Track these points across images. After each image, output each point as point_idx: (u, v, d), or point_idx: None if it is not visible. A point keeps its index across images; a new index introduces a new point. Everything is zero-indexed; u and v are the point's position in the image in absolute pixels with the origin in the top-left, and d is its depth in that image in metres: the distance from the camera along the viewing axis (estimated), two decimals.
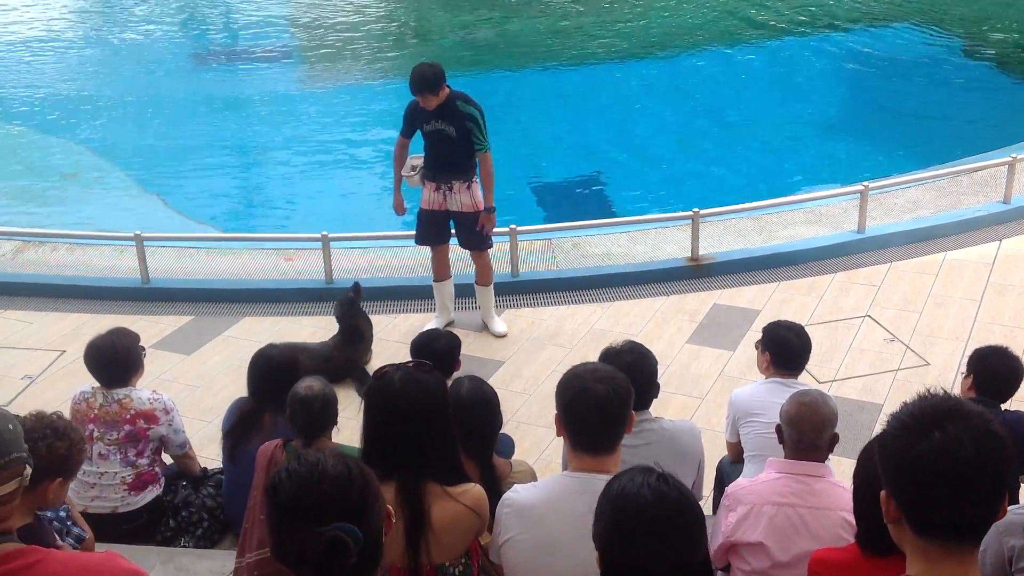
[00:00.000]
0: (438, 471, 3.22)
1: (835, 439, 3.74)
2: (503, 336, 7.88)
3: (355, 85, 15.41)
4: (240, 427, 4.84)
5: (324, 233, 8.42)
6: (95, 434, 4.84)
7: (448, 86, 7.17)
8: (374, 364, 7.38)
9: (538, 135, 13.38)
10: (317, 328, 8.05)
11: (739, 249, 8.92)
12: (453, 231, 7.69)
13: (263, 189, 12.17)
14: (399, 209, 7.73)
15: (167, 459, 5.28)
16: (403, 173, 7.58)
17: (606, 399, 3.14)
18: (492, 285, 7.91)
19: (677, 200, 11.07)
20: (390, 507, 2.34)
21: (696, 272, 8.65)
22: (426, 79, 7.03)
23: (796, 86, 14.85)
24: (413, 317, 8.21)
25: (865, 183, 9.13)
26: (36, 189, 11.85)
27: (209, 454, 6.14)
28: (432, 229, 7.66)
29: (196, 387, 7.34)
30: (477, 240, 7.62)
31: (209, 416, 6.92)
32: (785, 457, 3.71)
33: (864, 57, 15.39)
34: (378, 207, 11.35)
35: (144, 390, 4.98)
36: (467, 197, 7.44)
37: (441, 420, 3.27)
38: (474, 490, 3.31)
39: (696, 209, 8.64)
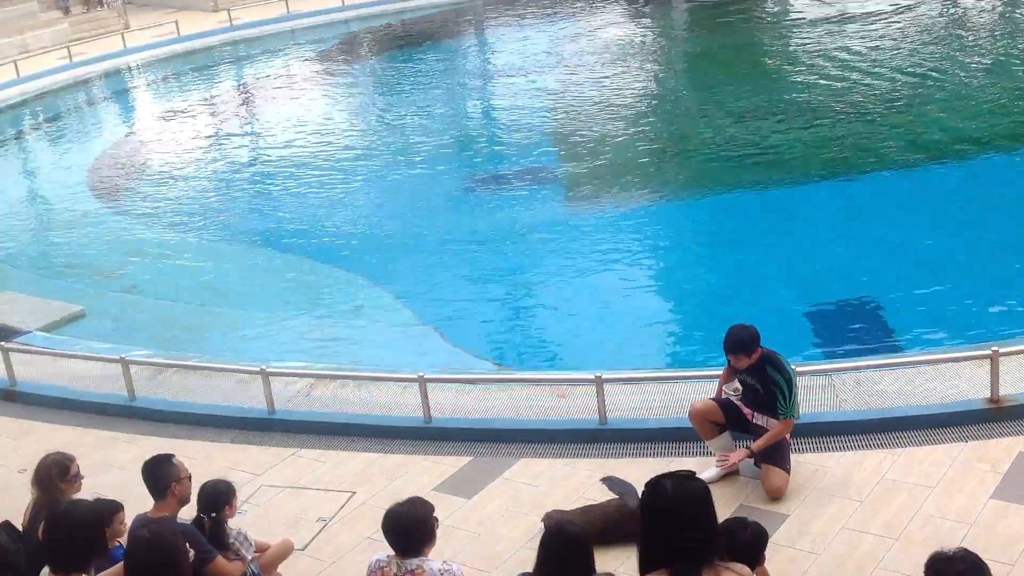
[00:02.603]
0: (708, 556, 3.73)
1: None
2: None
3: (620, 208, 15.59)
4: None
5: (598, 375, 8.44)
6: None
7: (762, 347, 7.33)
8: None
9: (811, 255, 12.98)
10: (592, 471, 8.03)
11: None
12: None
13: (535, 320, 12.39)
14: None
15: None
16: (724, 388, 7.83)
17: None
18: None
19: (968, 328, 10.38)
20: None
21: (997, 415, 8.00)
22: (742, 343, 7.31)
23: None
24: (690, 461, 7.99)
25: None
26: (326, 323, 12.63)
27: None
28: (727, 416, 7.64)
29: (477, 534, 7.44)
30: (778, 456, 7.45)
31: (491, 566, 6.98)
32: None
33: None
34: (651, 338, 11.36)
35: (436, 560, 5.09)
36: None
37: (709, 516, 3.80)
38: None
39: (995, 348, 8.03)
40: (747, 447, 7.53)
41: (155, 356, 10.98)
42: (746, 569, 3.90)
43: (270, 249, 15.46)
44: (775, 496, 7.35)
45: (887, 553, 6.66)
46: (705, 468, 7.74)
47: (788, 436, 7.54)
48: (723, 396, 7.81)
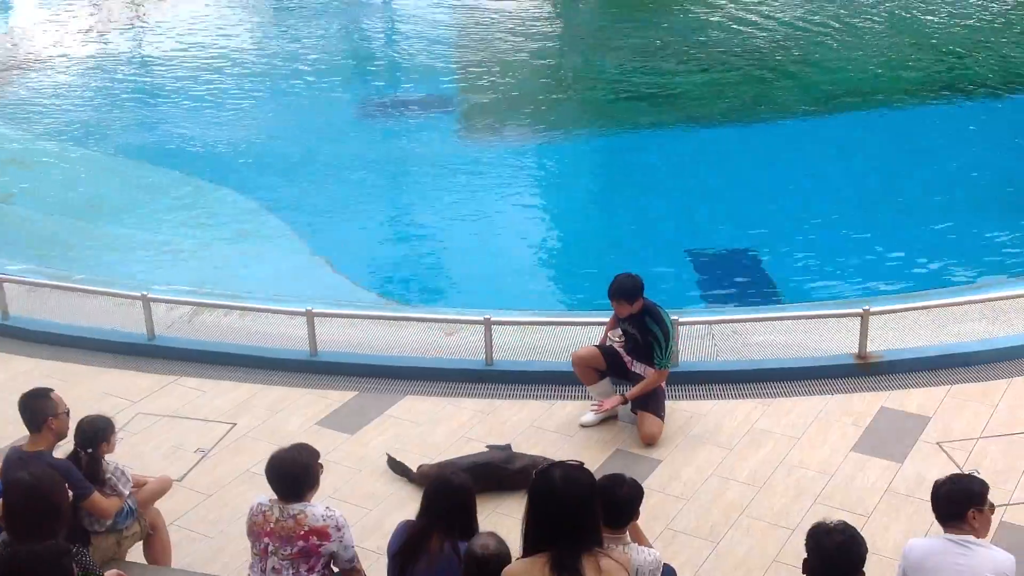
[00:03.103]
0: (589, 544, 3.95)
1: None
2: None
3: (518, 143, 15.58)
4: (409, 548, 4.90)
5: (487, 317, 8.51)
6: (270, 548, 4.99)
7: (645, 298, 7.45)
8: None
9: (702, 201, 13.21)
10: (477, 411, 8.14)
11: (910, 348, 8.58)
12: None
13: (426, 255, 12.35)
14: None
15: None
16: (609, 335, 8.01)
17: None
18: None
19: (845, 280, 10.77)
20: None
21: (863, 371, 8.37)
22: (624, 290, 7.42)
23: (985, 156, 14.14)
24: (571, 405, 8.18)
25: None
26: (211, 246, 12.38)
27: (369, 545, 6.28)
28: (609, 363, 7.80)
29: (358, 470, 7.48)
30: (653, 404, 7.65)
31: (370, 504, 7.05)
32: None
33: None
34: (540, 279, 11.47)
35: (319, 505, 5.10)
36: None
37: (593, 507, 3.99)
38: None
39: (867, 307, 8.37)
40: (622, 395, 7.75)
41: (31, 275, 10.62)
42: (624, 556, 4.14)
43: (156, 165, 14.97)
44: (649, 442, 7.59)
45: (751, 501, 6.96)
46: (584, 412, 7.97)
47: (664, 384, 7.76)
48: (607, 343, 7.99)
